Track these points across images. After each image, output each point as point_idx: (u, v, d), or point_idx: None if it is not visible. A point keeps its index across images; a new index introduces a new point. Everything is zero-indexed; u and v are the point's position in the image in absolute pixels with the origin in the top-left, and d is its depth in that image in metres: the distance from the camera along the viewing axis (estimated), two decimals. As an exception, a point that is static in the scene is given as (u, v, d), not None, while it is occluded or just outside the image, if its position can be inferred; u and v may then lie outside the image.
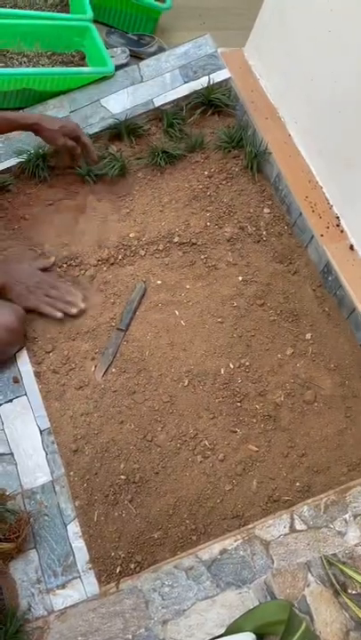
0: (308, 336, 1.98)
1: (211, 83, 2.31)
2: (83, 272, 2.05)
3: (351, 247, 2.03)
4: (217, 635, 1.52)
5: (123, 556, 1.68)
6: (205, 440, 1.82)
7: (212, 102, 2.32)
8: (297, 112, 2.20)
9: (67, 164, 2.20)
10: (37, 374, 1.89)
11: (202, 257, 2.09)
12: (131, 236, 2.11)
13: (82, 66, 2.45)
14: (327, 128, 2.04)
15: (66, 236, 2.11)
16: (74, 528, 1.70)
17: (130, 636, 1.53)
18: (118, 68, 2.40)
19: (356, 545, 1.62)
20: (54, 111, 2.30)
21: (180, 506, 1.74)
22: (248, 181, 2.23)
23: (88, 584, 1.64)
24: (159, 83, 2.34)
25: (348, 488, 1.74)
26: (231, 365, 1.92)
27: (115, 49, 2.54)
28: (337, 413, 1.87)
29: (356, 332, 1.98)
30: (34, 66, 2.39)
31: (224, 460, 1.80)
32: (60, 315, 1.94)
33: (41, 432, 1.81)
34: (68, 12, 2.60)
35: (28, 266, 1.99)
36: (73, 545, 1.68)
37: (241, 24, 2.59)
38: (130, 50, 2.58)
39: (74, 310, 1.96)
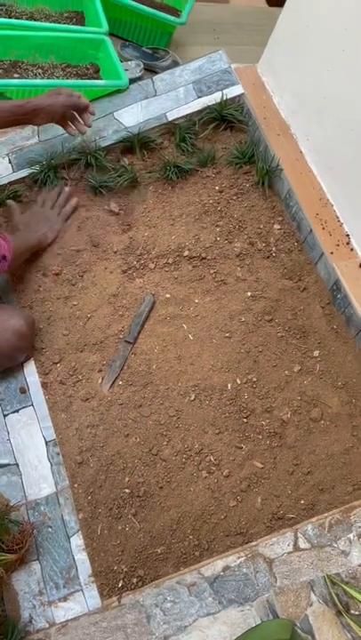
0: (316, 353, 1.98)
1: (224, 98, 2.32)
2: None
3: (361, 265, 2.03)
4: (218, 652, 1.51)
5: (125, 570, 1.67)
6: (211, 455, 1.82)
7: (225, 118, 2.33)
8: (309, 129, 2.20)
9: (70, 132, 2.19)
10: (44, 385, 1.90)
11: (211, 271, 2.09)
12: (141, 249, 2.12)
13: (96, 78, 2.47)
14: (339, 146, 2.04)
15: (75, 247, 2.12)
16: (77, 541, 1.70)
17: (131, 652, 1.53)
18: (132, 81, 2.42)
19: (359, 565, 1.61)
20: (67, 123, 2.31)
21: (184, 521, 1.73)
22: (259, 197, 2.23)
23: (90, 597, 1.64)
24: (173, 97, 2.35)
25: (352, 507, 1.73)
26: (238, 381, 1.92)
27: (129, 62, 2.56)
28: (343, 432, 1.87)
29: (363, 351, 1.99)
30: (48, 77, 2.40)
31: (229, 475, 1.80)
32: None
33: (46, 443, 1.82)
34: (83, 24, 2.62)
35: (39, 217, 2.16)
36: (76, 558, 1.68)
37: (254, 40, 2.61)
38: (144, 63, 2.59)
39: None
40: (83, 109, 2.11)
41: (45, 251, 2.10)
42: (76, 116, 2.11)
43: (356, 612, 1.51)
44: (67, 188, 2.22)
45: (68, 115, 2.09)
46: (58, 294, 2.04)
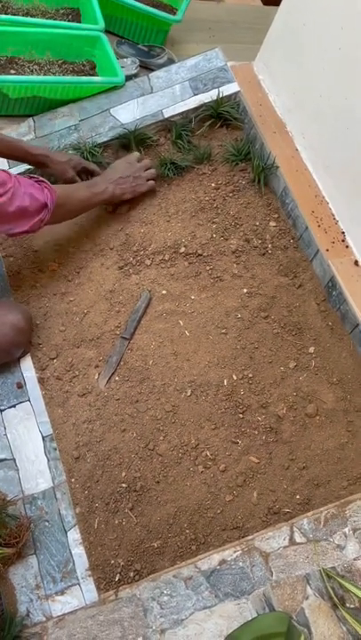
0: (312, 350, 1.99)
1: (220, 96, 2.33)
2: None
3: (356, 263, 2.04)
4: (215, 645, 1.52)
5: (122, 564, 1.68)
6: (207, 450, 1.83)
7: (221, 115, 2.34)
8: (305, 127, 2.21)
9: None
10: (41, 380, 1.90)
11: (207, 268, 2.10)
12: (137, 245, 2.13)
13: (92, 75, 2.47)
14: (335, 144, 2.06)
15: (71, 244, 2.12)
16: (74, 535, 1.71)
17: (128, 645, 1.54)
18: (128, 78, 2.42)
19: (355, 559, 1.63)
20: (64, 119, 2.32)
21: (181, 515, 1.74)
22: (255, 194, 2.24)
23: (87, 591, 1.64)
24: (169, 94, 2.36)
25: (347, 502, 1.75)
26: (234, 377, 1.93)
27: (125, 59, 2.56)
28: (338, 427, 1.88)
29: (358, 347, 2.00)
30: (45, 74, 2.40)
31: (225, 470, 1.81)
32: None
33: (43, 438, 1.82)
34: (79, 21, 2.62)
35: (124, 163, 2.19)
36: (73, 552, 1.69)
37: (250, 38, 2.62)
38: (140, 60, 2.59)
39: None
40: (90, 172, 2.20)
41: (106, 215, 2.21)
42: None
43: (352, 606, 1.53)
44: (150, 160, 2.28)
45: (76, 180, 2.16)
46: (54, 290, 2.05)
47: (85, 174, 2.18)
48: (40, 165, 2.10)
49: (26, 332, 1.88)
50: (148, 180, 2.21)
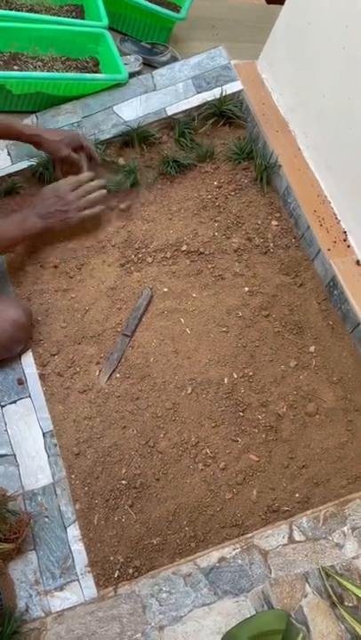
0: (312, 349, 2.00)
1: (223, 94, 2.33)
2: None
3: (358, 262, 2.05)
4: (213, 642, 1.53)
5: (121, 560, 1.69)
6: (207, 448, 1.83)
7: (224, 113, 2.34)
8: (308, 126, 2.22)
9: (59, 176, 2.18)
10: (42, 377, 1.91)
11: (209, 266, 2.11)
12: (139, 243, 2.13)
13: (95, 72, 2.47)
14: (337, 143, 2.06)
15: (73, 241, 2.12)
16: (74, 531, 1.71)
17: (126, 641, 1.54)
18: (131, 75, 2.42)
19: (353, 557, 1.63)
20: (67, 116, 2.32)
21: (180, 513, 1.75)
22: (257, 193, 2.24)
23: (86, 587, 1.65)
24: (172, 92, 2.36)
25: (347, 501, 1.75)
26: (235, 375, 1.93)
27: (128, 56, 2.56)
28: (338, 426, 1.89)
29: (359, 347, 2.00)
30: (48, 70, 2.40)
31: (225, 468, 1.81)
32: (101, 207, 2.11)
33: (44, 434, 1.82)
34: (83, 18, 2.62)
35: (52, 194, 2.04)
36: (72, 548, 1.69)
37: (253, 37, 2.62)
38: (143, 58, 2.59)
39: (104, 193, 2.11)
40: (86, 151, 2.18)
41: (44, 243, 2.11)
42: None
43: (350, 604, 1.53)
44: (99, 181, 2.12)
45: (73, 157, 2.15)
46: (56, 286, 2.05)
47: (83, 151, 2.17)
48: (35, 145, 2.12)
49: (26, 329, 1.88)
50: (88, 206, 2.07)
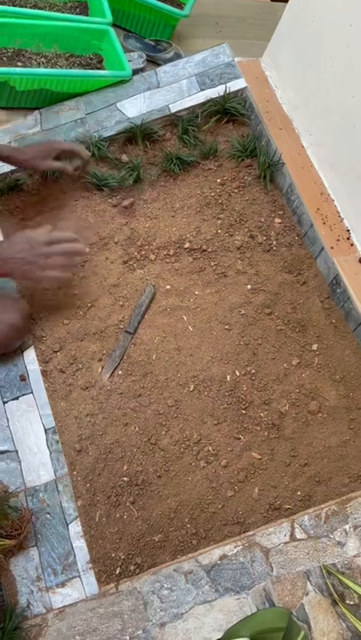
0: (315, 347, 2.00)
1: (227, 91, 2.32)
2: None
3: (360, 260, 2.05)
4: (214, 639, 1.52)
5: (123, 557, 1.69)
6: (209, 446, 1.83)
7: (228, 111, 2.34)
8: (311, 124, 2.21)
9: (42, 188, 2.18)
10: (44, 373, 1.91)
11: (211, 264, 2.10)
12: (142, 240, 2.13)
13: (99, 69, 2.46)
14: (341, 141, 2.06)
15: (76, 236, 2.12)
16: (75, 527, 1.71)
17: (127, 637, 1.54)
18: (134, 72, 2.42)
19: (355, 556, 1.63)
20: (70, 113, 2.32)
21: (182, 510, 1.75)
22: (260, 191, 2.24)
23: (87, 584, 1.65)
24: (176, 89, 2.36)
25: (349, 499, 1.75)
26: (237, 373, 1.93)
27: (131, 53, 2.55)
28: (341, 425, 1.89)
29: (361, 345, 2.00)
30: (52, 67, 2.40)
31: (227, 466, 1.81)
32: (69, 274, 1.92)
33: (46, 431, 1.82)
34: (87, 14, 2.61)
35: (24, 241, 1.80)
36: (74, 544, 1.69)
37: (256, 34, 2.62)
38: (146, 55, 2.59)
39: (79, 261, 1.97)
40: (70, 152, 2.13)
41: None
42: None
43: (351, 602, 1.53)
44: (79, 245, 1.89)
45: (54, 166, 2.10)
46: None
47: (67, 157, 2.13)
48: (13, 165, 2.09)
49: (22, 330, 1.88)
50: (57, 267, 1.81)
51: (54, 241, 1.82)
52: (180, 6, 2.71)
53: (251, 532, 1.71)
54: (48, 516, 1.72)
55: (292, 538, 1.68)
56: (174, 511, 1.75)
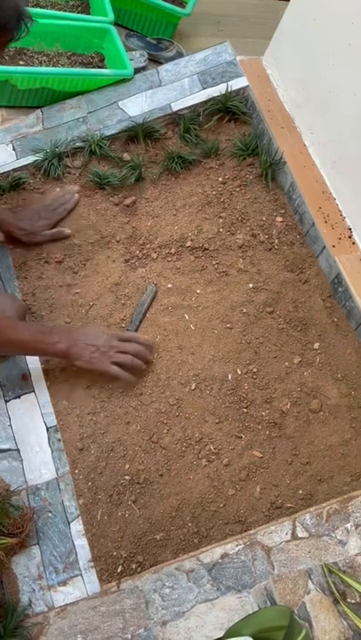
0: (316, 345, 1.99)
1: (229, 90, 2.32)
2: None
3: (362, 259, 2.05)
4: (215, 638, 1.52)
5: (124, 555, 1.69)
6: (210, 444, 1.83)
7: (230, 109, 2.34)
8: (313, 123, 2.21)
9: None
10: (46, 372, 1.90)
11: (213, 262, 2.10)
12: (143, 238, 2.13)
13: (101, 67, 2.47)
14: (343, 140, 2.06)
15: (78, 236, 2.12)
16: (77, 526, 1.71)
17: (129, 636, 1.54)
18: (136, 71, 2.42)
19: (356, 554, 1.63)
20: (72, 112, 2.32)
21: (184, 508, 1.75)
22: (262, 189, 2.24)
23: (89, 582, 1.65)
24: (178, 88, 2.36)
25: (350, 498, 1.75)
26: (239, 371, 1.93)
27: (133, 52, 2.56)
28: (342, 423, 1.89)
29: (363, 344, 2.00)
30: (53, 65, 2.40)
31: (228, 464, 1.81)
32: (130, 376, 1.86)
33: (47, 429, 1.82)
34: (88, 13, 2.62)
35: (100, 331, 1.89)
36: (75, 543, 1.69)
37: (258, 33, 2.62)
38: (148, 53, 2.59)
39: (144, 366, 1.89)
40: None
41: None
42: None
43: (353, 601, 1.53)
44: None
45: (48, 237, 2.11)
46: (60, 282, 2.05)
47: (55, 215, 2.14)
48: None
49: None
50: (118, 363, 1.82)
51: (130, 340, 1.88)
52: (182, 5, 2.71)
53: (252, 531, 1.71)
54: (50, 514, 1.72)
55: (294, 536, 1.68)
56: (176, 510, 1.75)
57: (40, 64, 2.39)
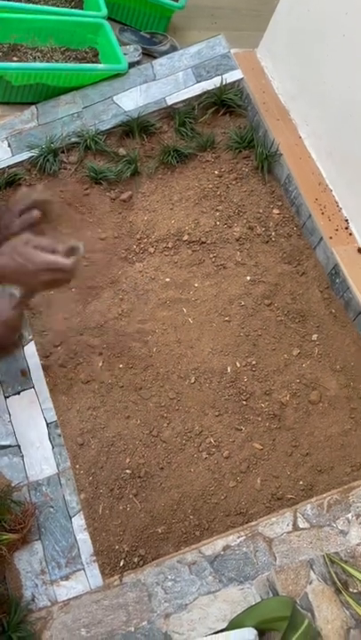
0: (315, 337, 2.00)
1: (223, 83, 2.32)
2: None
3: (359, 250, 2.04)
4: (218, 629, 1.53)
5: (127, 549, 1.69)
6: (211, 437, 1.84)
7: (224, 102, 2.34)
8: (308, 114, 2.21)
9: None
10: (45, 368, 1.91)
11: (211, 256, 2.10)
12: (140, 233, 2.13)
13: (95, 62, 2.46)
14: (338, 131, 2.05)
15: (75, 232, 2.12)
16: (79, 521, 1.71)
17: (132, 629, 1.55)
18: (130, 65, 2.42)
19: (357, 544, 1.64)
20: (67, 107, 2.31)
21: (185, 501, 1.75)
22: (258, 182, 2.24)
23: (92, 576, 1.65)
24: (172, 81, 2.35)
25: (351, 488, 1.75)
26: (238, 364, 1.93)
27: (127, 46, 2.55)
28: (341, 414, 1.89)
29: (361, 335, 2.01)
30: (47, 61, 2.40)
31: (229, 457, 1.81)
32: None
33: (48, 425, 1.83)
34: (82, 8, 2.61)
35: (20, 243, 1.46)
36: (77, 537, 1.70)
37: (252, 25, 2.61)
38: (142, 48, 2.59)
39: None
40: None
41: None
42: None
43: (355, 591, 1.54)
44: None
45: (27, 221, 1.65)
46: (58, 278, 2.04)
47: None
48: None
49: (17, 328, 1.88)
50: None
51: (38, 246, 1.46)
52: (175, -2, 2.71)
53: (254, 523, 1.71)
54: (51, 509, 1.73)
55: (295, 527, 1.68)
56: (177, 503, 1.75)
57: (34, 60, 2.38)
